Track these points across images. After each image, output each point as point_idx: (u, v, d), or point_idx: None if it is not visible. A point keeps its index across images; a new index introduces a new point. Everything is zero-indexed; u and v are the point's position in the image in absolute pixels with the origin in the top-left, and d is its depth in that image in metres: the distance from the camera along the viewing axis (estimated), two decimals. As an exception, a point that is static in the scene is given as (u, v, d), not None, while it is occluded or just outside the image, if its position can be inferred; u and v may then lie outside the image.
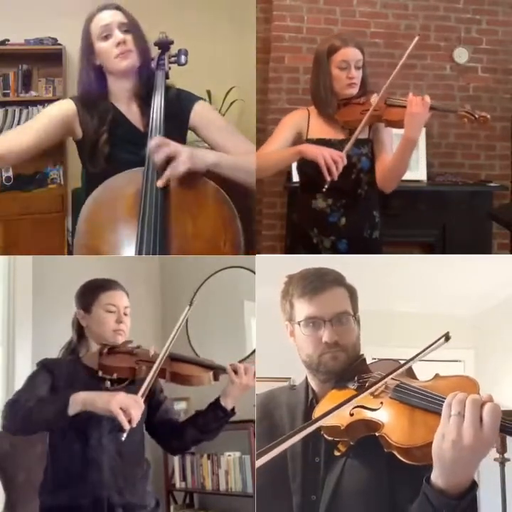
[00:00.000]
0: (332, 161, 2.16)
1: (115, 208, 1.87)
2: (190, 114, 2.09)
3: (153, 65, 2.06)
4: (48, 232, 4.17)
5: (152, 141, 1.86)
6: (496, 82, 4.20)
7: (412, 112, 2.14)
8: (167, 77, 2.05)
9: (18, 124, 4.27)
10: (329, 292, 1.47)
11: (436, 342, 1.31)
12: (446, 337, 1.30)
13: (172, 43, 2.08)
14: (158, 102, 1.97)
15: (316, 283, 1.47)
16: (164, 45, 2.07)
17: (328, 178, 2.17)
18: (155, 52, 2.08)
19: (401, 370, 1.32)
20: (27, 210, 4.22)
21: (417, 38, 2.29)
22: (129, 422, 1.49)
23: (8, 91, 4.28)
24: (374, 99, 2.29)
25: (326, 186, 2.19)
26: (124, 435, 1.50)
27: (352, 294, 1.51)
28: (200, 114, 2.10)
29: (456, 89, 4.17)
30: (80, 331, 1.83)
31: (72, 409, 1.51)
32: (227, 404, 1.74)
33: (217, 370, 1.74)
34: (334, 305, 1.46)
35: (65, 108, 2.02)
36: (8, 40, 4.16)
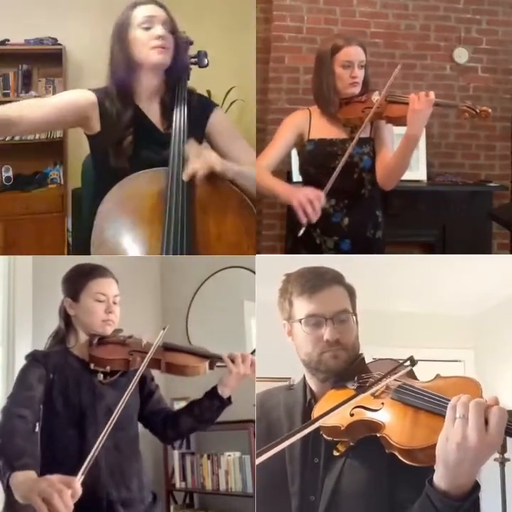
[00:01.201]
0: (308, 201, 2.08)
1: (138, 207, 1.86)
2: (208, 121, 2.09)
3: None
4: (48, 232, 4.18)
5: (189, 149, 1.88)
6: (496, 82, 4.19)
7: (415, 108, 2.12)
8: (188, 77, 2.05)
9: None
10: (328, 290, 1.47)
11: (402, 363, 1.34)
12: (412, 361, 1.34)
13: (192, 43, 2.08)
14: (182, 104, 1.97)
15: (314, 281, 1.47)
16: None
17: (303, 221, 2.09)
18: None
19: (383, 383, 1.33)
20: (27, 210, 4.23)
21: (399, 67, 2.26)
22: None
23: (8, 91, 4.29)
24: (375, 96, 2.27)
25: (302, 231, 2.12)
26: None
27: (351, 292, 1.50)
28: (218, 121, 2.10)
29: (456, 89, 4.17)
30: (67, 319, 1.79)
31: (15, 493, 1.36)
32: (224, 393, 1.73)
33: (212, 359, 1.72)
34: (334, 303, 1.46)
35: (84, 97, 1.97)
36: (8, 40, 4.16)
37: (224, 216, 1.91)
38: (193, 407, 1.77)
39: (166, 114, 2.01)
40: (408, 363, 1.34)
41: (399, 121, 2.22)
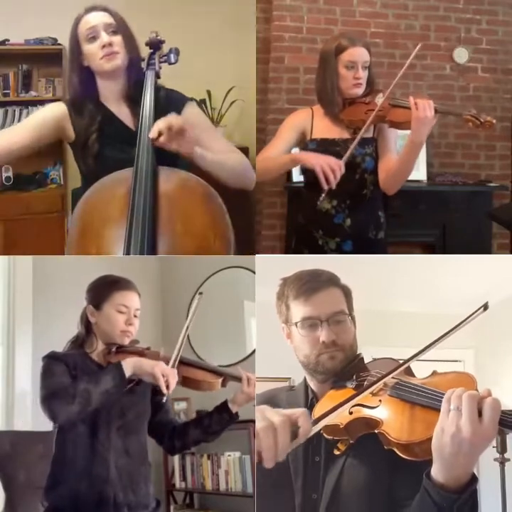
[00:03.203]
0: (330, 169, 2.13)
1: (106, 209, 1.86)
2: (181, 115, 2.08)
3: (143, 65, 2.05)
4: (48, 232, 4.17)
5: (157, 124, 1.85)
6: (496, 82, 4.20)
7: (420, 116, 2.09)
8: (158, 76, 2.04)
9: (18, 124, 4.27)
10: (324, 292, 1.47)
11: (475, 312, 1.29)
12: (485, 306, 1.28)
13: (163, 42, 2.07)
14: (148, 102, 1.97)
15: (310, 283, 1.48)
16: (155, 45, 2.06)
17: (326, 187, 2.14)
18: (147, 52, 2.07)
19: (426, 351, 1.31)
20: (27, 210, 4.22)
21: (419, 45, 2.25)
22: (167, 388, 1.61)
23: (8, 91, 4.28)
24: (379, 99, 2.26)
25: (323, 195, 2.18)
26: (164, 399, 1.69)
27: (347, 293, 1.51)
28: (191, 113, 2.09)
29: (456, 89, 4.17)
30: (88, 326, 1.82)
31: (127, 372, 1.61)
32: (234, 409, 1.79)
33: (226, 377, 1.77)
34: (330, 305, 1.47)
35: (56, 110, 2.04)
36: (8, 40, 4.16)
37: (188, 210, 1.88)
38: (203, 419, 1.84)
39: (136, 113, 2.01)
40: (481, 308, 1.29)
41: (402, 126, 2.21)
